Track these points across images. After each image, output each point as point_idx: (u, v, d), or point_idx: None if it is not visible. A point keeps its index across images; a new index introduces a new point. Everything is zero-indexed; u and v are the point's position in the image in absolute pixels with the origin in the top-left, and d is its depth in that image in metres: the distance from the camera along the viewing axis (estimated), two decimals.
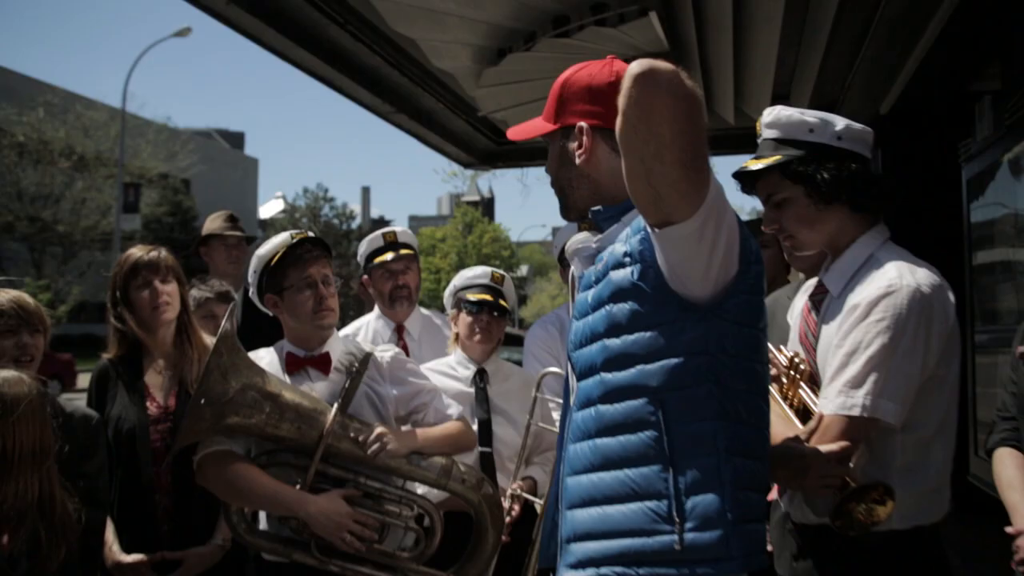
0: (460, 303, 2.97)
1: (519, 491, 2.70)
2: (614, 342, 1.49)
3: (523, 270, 54.74)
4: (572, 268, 1.74)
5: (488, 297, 2.96)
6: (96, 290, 27.99)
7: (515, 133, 1.78)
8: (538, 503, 2.65)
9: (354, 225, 42.79)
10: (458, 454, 2.36)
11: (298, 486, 2.14)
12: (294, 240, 2.33)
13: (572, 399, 1.63)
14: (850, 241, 1.96)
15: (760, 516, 1.50)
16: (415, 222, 75.80)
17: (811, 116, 1.96)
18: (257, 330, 2.83)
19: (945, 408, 1.88)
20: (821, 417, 1.80)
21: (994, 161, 3.58)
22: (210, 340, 2.66)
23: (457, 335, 3.00)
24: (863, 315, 1.81)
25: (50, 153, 28.75)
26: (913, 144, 5.44)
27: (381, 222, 53.03)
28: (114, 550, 2.47)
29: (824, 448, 1.73)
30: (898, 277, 1.82)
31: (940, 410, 1.87)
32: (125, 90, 28.52)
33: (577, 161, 1.63)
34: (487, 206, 57.45)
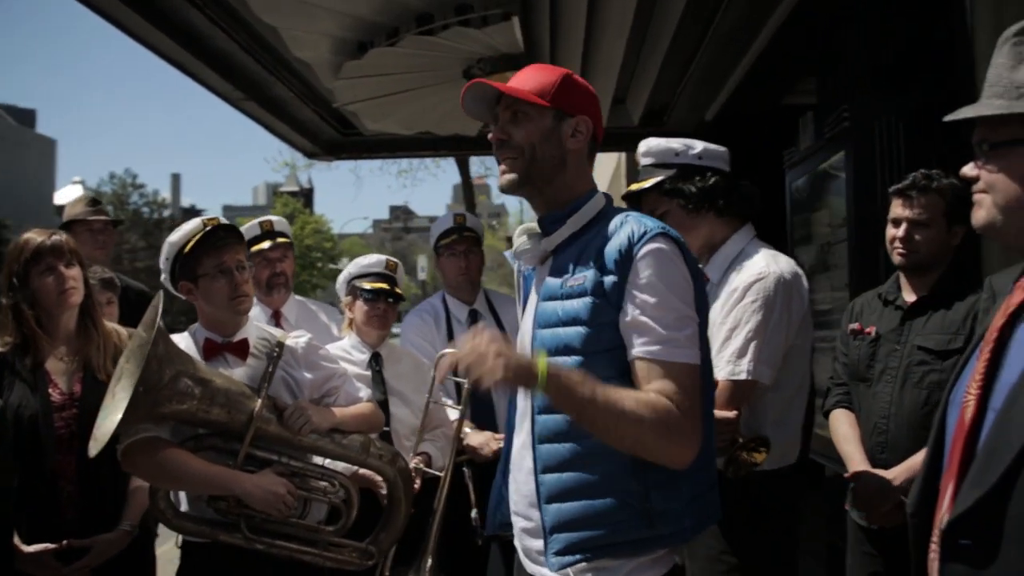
0: (356, 291, 3.08)
1: (421, 466, 2.87)
2: (587, 358, 1.67)
3: (344, 262, 53.91)
4: (518, 266, 1.94)
5: (384, 285, 3.10)
6: None
7: (514, 84, 1.80)
8: (438, 475, 2.83)
9: (165, 214, 40.49)
10: (371, 432, 2.49)
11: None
12: (207, 227, 2.37)
13: (529, 399, 1.77)
14: (724, 239, 2.38)
15: (708, 488, 1.76)
16: (230, 212, 72.64)
17: (676, 143, 2.41)
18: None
19: (803, 372, 2.31)
20: (716, 383, 2.14)
21: (814, 169, 4.11)
22: (112, 325, 2.66)
23: (351, 321, 3.11)
24: (740, 297, 2.22)
25: None
26: (737, 149, 6.01)
27: (193, 212, 50.56)
28: (14, 541, 2.40)
29: (721, 414, 2.10)
30: (766, 266, 2.25)
31: (799, 373, 2.33)
32: None
33: (569, 145, 1.78)
34: (307, 197, 56.11)
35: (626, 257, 1.67)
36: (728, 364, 2.19)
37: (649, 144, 2.42)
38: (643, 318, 1.64)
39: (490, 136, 1.82)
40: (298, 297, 3.54)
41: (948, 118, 1.40)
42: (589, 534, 1.66)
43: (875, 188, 3.47)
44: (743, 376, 2.17)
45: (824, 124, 3.86)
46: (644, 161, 2.43)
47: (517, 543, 1.88)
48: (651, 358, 1.63)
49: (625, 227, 1.71)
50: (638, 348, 1.65)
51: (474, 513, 2.99)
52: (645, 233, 1.68)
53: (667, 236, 1.70)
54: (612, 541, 1.65)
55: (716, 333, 2.25)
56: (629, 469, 1.65)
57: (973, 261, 2.69)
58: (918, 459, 2.40)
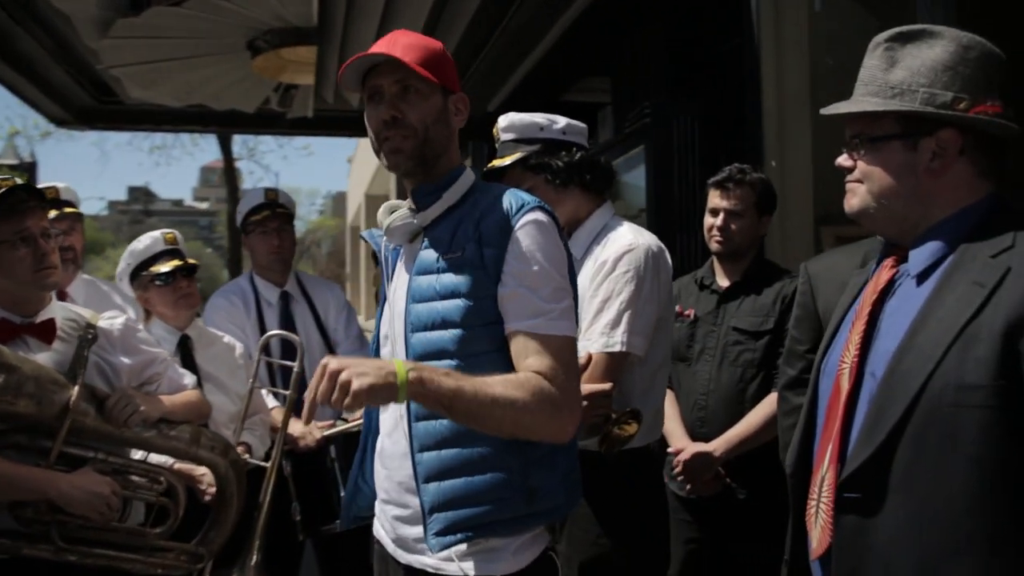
0: (147, 280, 2.82)
1: (245, 456, 2.67)
2: (467, 331, 1.63)
3: None
4: (385, 242, 1.82)
5: (178, 262, 2.85)
6: None
7: (396, 54, 1.66)
8: (261, 465, 2.64)
9: None
10: (198, 421, 2.28)
11: None
12: (2, 189, 2.04)
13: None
14: (588, 214, 2.33)
15: (575, 463, 1.74)
16: None
17: (539, 117, 2.32)
18: None
19: (666, 345, 2.33)
20: (590, 356, 2.13)
21: (611, 162, 4.33)
22: None
23: (148, 312, 2.85)
24: (611, 269, 2.19)
25: None
26: None
27: None
28: None
29: (595, 387, 2.05)
30: (634, 238, 2.23)
31: (664, 346, 2.31)
32: None
33: (455, 125, 1.74)
34: (30, 172, 50.16)
35: (505, 229, 1.65)
36: (602, 336, 2.15)
37: (511, 119, 2.31)
38: (520, 290, 1.63)
39: (381, 113, 1.69)
40: (86, 276, 3.15)
41: (825, 111, 1.52)
42: (470, 512, 1.61)
43: (672, 181, 3.72)
44: (617, 348, 2.13)
45: (624, 120, 4.07)
46: (505, 137, 2.32)
47: (385, 535, 1.79)
48: (528, 331, 1.61)
49: (502, 200, 1.70)
50: (515, 321, 1.63)
51: (295, 506, 2.83)
52: (523, 205, 1.68)
53: (544, 209, 1.71)
54: (494, 519, 1.61)
55: (586, 306, 2.21)
56: (509, 445, 1.62)
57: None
58: (734, 432, 2.61)
